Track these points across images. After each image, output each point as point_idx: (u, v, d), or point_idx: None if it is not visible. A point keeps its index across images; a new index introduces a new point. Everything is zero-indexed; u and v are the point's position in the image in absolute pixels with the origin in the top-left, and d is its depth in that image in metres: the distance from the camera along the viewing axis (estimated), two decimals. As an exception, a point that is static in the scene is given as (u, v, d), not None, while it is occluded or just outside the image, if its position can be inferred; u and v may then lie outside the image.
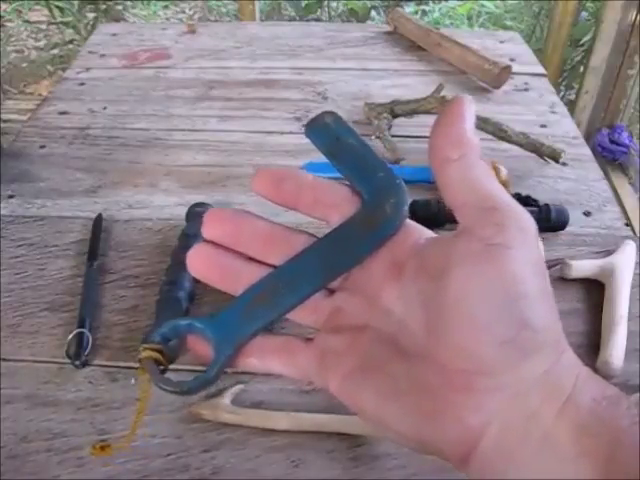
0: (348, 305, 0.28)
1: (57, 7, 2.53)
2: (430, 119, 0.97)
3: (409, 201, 0.28)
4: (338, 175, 0.31)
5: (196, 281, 0.61)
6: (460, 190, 0.25)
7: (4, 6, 2.69)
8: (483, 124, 0.80)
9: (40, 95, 2.25)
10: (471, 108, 0.26)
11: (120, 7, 2.64)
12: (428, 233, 0.28)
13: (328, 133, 0.31)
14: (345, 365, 0.27)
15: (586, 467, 0.22)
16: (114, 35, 1.14)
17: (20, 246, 0.68)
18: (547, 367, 0.24)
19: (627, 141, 1.79)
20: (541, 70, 1.03)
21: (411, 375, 0.25)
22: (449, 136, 0.26)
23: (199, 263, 0.29)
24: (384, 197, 0.28)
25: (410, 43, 1.09)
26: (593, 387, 0.24)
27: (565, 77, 2.13)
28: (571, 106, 1.85)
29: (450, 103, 0.27)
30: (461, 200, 0.25)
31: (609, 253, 0.65)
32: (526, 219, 0.25)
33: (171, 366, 0.55)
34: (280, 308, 0.28)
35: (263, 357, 0.28)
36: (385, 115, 0.83)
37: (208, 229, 0.29)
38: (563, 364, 0.24)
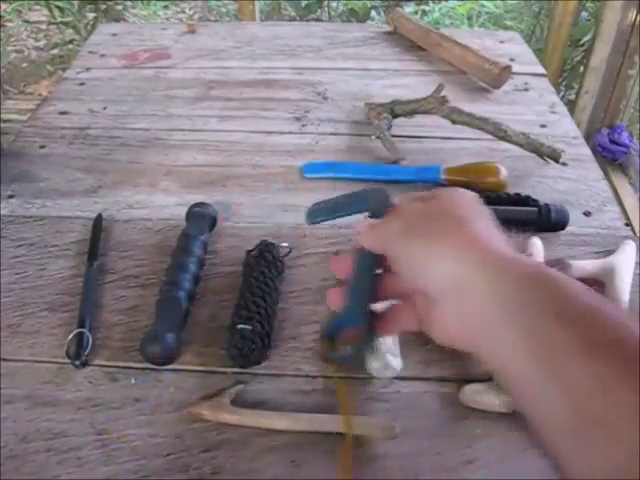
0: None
1: (57, 7, 2.53)
2: (430, 119, 0.97)
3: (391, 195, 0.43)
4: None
5: (196, 282, 0.61)
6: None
7: (4, 6, 2.69)
8: (483, 124, 0.80)
9: (40, 95, 2.25)
10: None
11: (120, 7, 2.64)
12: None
13: (322, 212, 0.45)
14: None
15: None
16: (114, 35, 1.14)
17: (20, 246, 0.68)
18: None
19: (627, 141, 1.79)
20: (541, 70, 1.03)
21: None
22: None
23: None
24: (374, 197, 0.43)
25: (410, 43, 1.09)
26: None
27: (565, 77, 2.13)
28: (571, 106, 1.85)
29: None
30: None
31: (609, 253, 0.65)
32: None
33: (171, 366, 0.55)
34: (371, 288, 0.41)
35: (393, 323, 0.41)
36: (385, 115, 0.83)
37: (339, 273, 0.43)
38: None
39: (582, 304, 0.30)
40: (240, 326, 0.55)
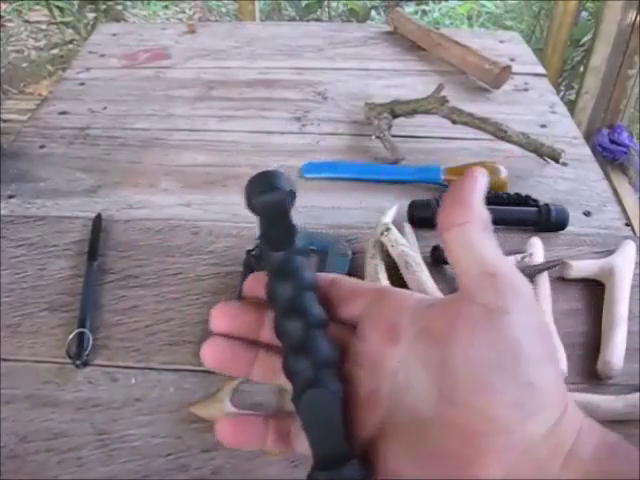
0: (356, 376, 0.28)
1: (57, 7, 2.53)
2: (430, 119, 0.97)
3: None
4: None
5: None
6: (461, 255, 0.26)
7: (4, 6, 2.69)
8: (483, 124, 0.80)
9: (40, 95, 2.25)
10: (483, 181, 0.27)
11: (120, 7, 2.64)
12: (417, 296, 0.29)
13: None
14: (367, 434, 0.27)
15: None
16: (114, 35, 1.14)
17: (20, 246, 0.68)
18: (552, 423, 0.25)
19: (627, 141, 1.79)
20: (541, 70, 1.03)
21: (429, 440, 0.26)
22: (456, 203, 0.27)
23: (212, 356, 0.30)
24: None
25: (410, 43, 1.09)
26: (595, 436, 0.25)
27: (565, 77, 2.13)
28: (571, 106, 1.85)
29: (463, 175, 0.28)
30: (462, 265, 0.26)
31: (609, 253, 0.65)
32: (523, 285, 0.26)
33: (171, 366, 0.55)
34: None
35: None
36: (385, 115, 0.83)
37: (216, 326, 0.30)
38: (567, 418, 0.25)
39: None
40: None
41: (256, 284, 0.30)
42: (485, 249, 0.26)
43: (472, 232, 0.26)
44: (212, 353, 0.29)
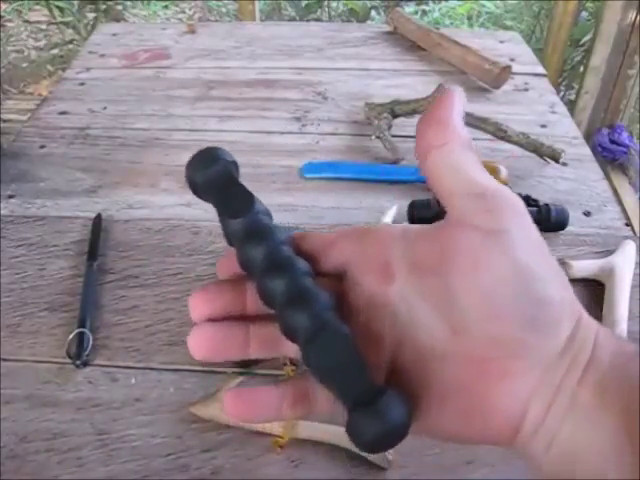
0: (355, 321, 0.27)
1: (57, 7, 2.53)
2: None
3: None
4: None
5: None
6: (445, 177, 0.25)
7: (4, 6, 2.69)
8: (483, 124, 0.80)
9: (40, 95, 2.25)
10: (460, 99, 0.26)
11: (120, 7, 2.64)
12: (401, 227, 0.27)
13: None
14: (378, 376, 0.26)
15: (607, 417, 0.22)
16: (114, 35, 1.14)
17: (20, 246, 0.68)
18: (568, 335, 0.24)
19: (627, 141, 1.79)
20: (541, 70, 1.03)
21: (442, 377, 0.25)
22: (434, 124, 0.25)
23: (201, 346, 0.26)
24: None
25: (410, 43, 1.09)
26: (612, 344, 0.24)
27: (565, 77, 2.13)
28: (571, 106, 1.85)
29: (440, 94, 0.26)
30: (447, 188, 0.25)
31: (609, 253, 0.65)
32: (515, 200, 0.25)
33: (171, 366, 0.55)
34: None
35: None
36: (385, 115, 0.83)
37: (198, 315, 0.27)
38: (582, 328, 0.24)
39: None
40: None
41: (228, 264, 0.27)
42: (472, 169, 0.25)
43: (456, 152, 0.25)
44: (201, 341, 0.26)
